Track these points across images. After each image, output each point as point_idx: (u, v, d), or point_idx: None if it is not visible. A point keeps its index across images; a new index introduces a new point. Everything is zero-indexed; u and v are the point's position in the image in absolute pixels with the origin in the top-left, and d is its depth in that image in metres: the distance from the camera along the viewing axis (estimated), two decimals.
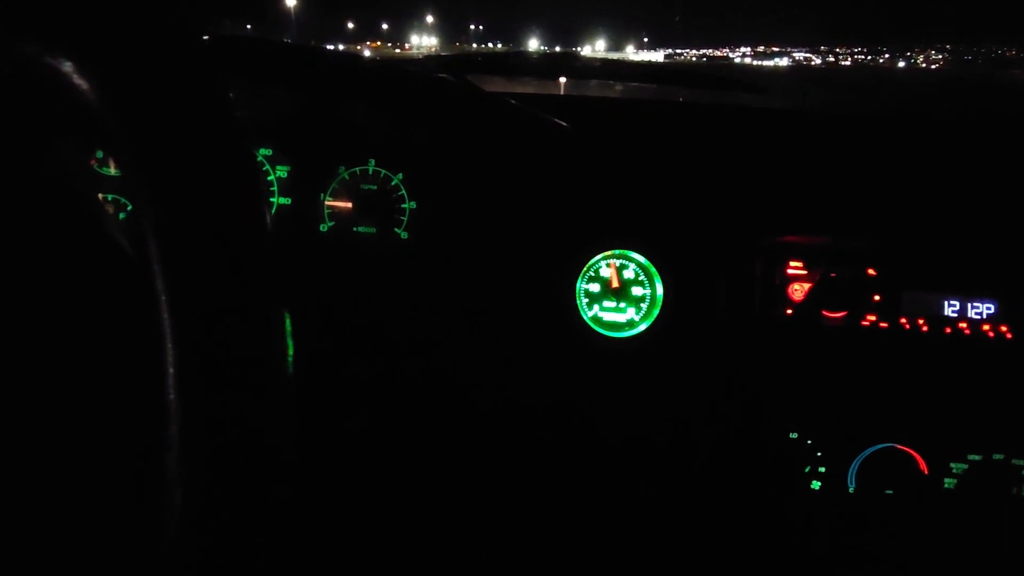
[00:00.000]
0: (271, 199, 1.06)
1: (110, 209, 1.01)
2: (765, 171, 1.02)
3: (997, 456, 0.87)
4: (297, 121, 1.08)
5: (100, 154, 1.02)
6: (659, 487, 0.96)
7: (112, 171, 1.02)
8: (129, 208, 1.00)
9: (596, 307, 0.97)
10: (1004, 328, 0.89)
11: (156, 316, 0.41)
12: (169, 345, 0.41)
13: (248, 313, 0.43)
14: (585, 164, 0.99)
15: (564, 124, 1.00)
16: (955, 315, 0.90)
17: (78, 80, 0.40)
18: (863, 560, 0.93)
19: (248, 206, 0.44)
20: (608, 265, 0.97)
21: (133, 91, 0.40)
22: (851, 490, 0.90)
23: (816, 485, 0.91)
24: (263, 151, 1.07)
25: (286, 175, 1.06)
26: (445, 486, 0.97)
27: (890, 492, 0.90)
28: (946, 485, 0.88)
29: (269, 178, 1.07)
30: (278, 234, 1.06)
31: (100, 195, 1.00)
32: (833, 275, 0.90)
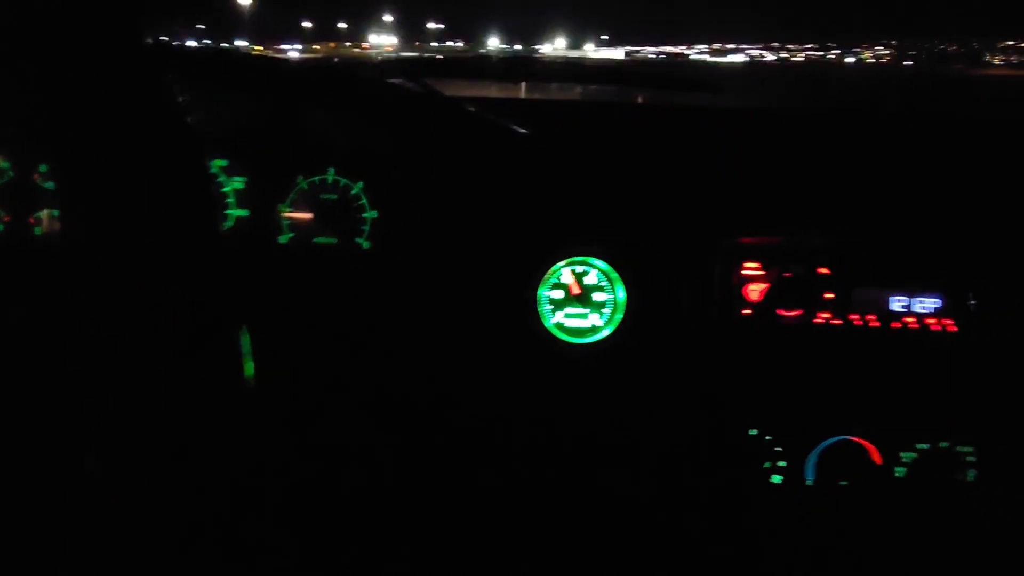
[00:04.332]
0: (228, 211, 1.04)
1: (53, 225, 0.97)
2: (720, 172, 1.04)
3: (943, 444, 0.91)
4: (253, 130, 1.06)
5: (44, 168, 0.98)
6: (625, 488, 0.97)
7: None
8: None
9: (559, 313, 0.98)
10: (948, 322, 0.93)
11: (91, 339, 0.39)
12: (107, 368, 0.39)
13: (202, 330, 0.42)
14: (544, 170, 1.00)
15: (523, 130, 1.01)
16: (903, 310, 0.93)
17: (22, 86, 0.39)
18: (823, 549, 0.96)
19: (198, 217, 0.43)
20: (570, 271, 0.98)
21: (73, 96, 0.39)
22: (809, 482, 0.93)
23: (777, 479, 0.94)
24: (218, 162, 1.05)
25: (243, 186, 1.04)
26: (411, 496, 0.97)
27: (845, 483, 0.93)
28: (897, 474, 0.92)
29: (224, 189, 1.04)
30: (236, 247, 1.04)
31: (45, 211, 0.97)
32: (788, 275, 0.93)
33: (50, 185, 0.98)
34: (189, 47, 1.12)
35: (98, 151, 0.40)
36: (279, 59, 1.11)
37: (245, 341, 0.44)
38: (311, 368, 0.96)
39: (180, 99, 0.44)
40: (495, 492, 0.98)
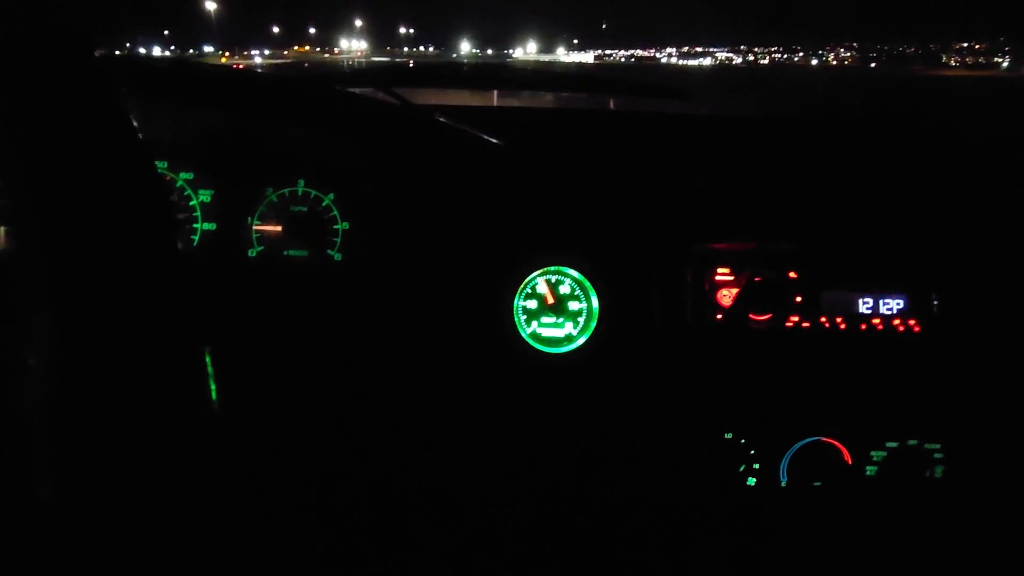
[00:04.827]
0: (195, 225, 1.02)
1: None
2: (690, 179, 1.05)
3: (912, 442, 0.93)
4: (220, 143, 1.04)
5: None
6: (602, 494, 0.97)
7: None
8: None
9: (534, 323, 0.98)
10: (912, 322, 0.95)
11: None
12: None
13: (160, 353, 0.41)
14: (515, 181, 1.00)
15: (495, 141, 1.01)
16: (869, 311, 0.95)
17: None
18: (799, 549, 0.97)
19: (153, 234, 0.41)
20: (544, 281, 0.98)
21: (22, 110, 0.38)
22: (783, 484, 0.95)
23: (751, 481, 0.95)
24: (184, 175, 1.03)
25: (210, 199, 1.02)
26: (388, 511, 0.96)
27: (818, 483, 0.94)
28: (868, 473, 0.94)
29: (192, 203, 1.02)
30: (204, 261, 1.02)
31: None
32: (758, 279, 0.94)
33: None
34: (150, 60, 1.09)
35: (47, 168, 0.39)
36: (245, 72, 1.09)
37: (208, 362, 0.43)
38: (284, 383, 0.95)
39: (134, 113, 0.43)
40: (474, 502, 0.97)
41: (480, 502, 0.97)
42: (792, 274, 0.95)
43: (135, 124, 0.41)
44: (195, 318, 0.42)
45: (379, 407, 0.95)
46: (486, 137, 1.01)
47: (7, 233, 0.40)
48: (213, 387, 0.42)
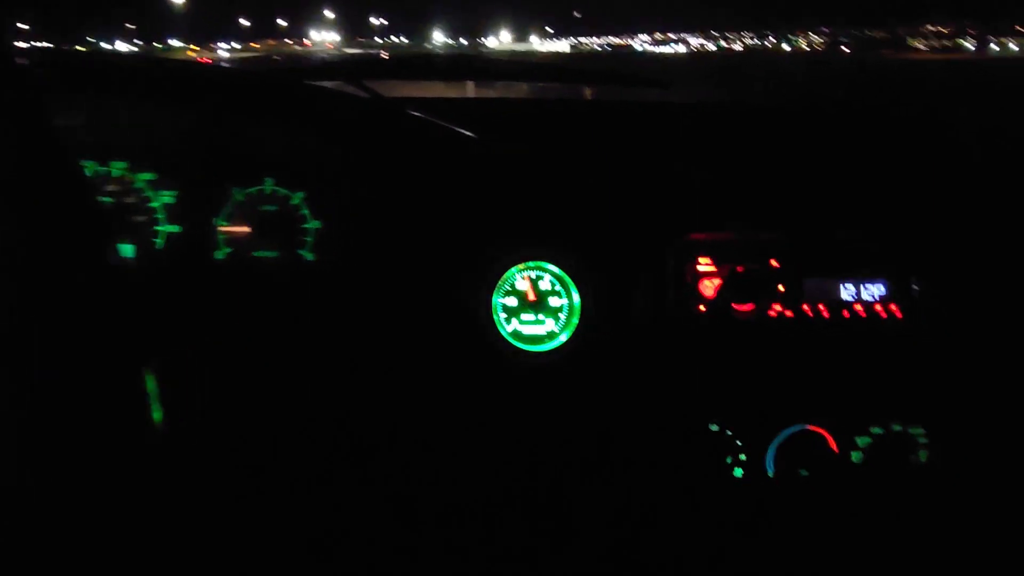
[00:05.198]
0: (157, 227, 0.98)
1: None
2: (670, 169, 1.04)
3: (896, 427, 0.93)
4: (182, 141, 0.99)
5: None
6: (590, 492, 0.96)
7: None
8: None
9: (515, 321, 0.95)
10: (894, 307, 0.95)
11: None
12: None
13: (92, 375, 0.37)
14: (491, 174, 0.98)
15: (469, 134, 0.98)
16: (851, 298, 0.95)
17: None
18: (788, 541, 0.97)
19: (76, 245, 0.38)
20: (523, 277, 0.96)
21: None
22: (770, 475, 0.94)
23: (738, 473, 0.94)
24: (144, 176, 0.98)
25: (173, 200, 0.98)
26: (370, 517, 0.94)
27: (805, 473, 0.94)
28: (854, 460, 0.94)
29: (153, 204, 0.98)
30: (169, 265, 0.98)
31: None
32: (740, 269, 0.93)
33: None
34: (108, 55, 1.05)
35: None
36: (209, 67, 1.05)
37: (150, 383, 0.40)
38: (255, 388, 0.92)
39: (94, 112, 0.39)
40: (459, 505, 0.95)
41: (465, 504, 0.95)
42: (774, 263, 0.94)
43: (51, 122, 0.38)
44: (132, 335, 0.39)
45: (355, 411, 0.93)
46: (460, 130, 0.98)
47: None
48: (157, 409, 0.39)
